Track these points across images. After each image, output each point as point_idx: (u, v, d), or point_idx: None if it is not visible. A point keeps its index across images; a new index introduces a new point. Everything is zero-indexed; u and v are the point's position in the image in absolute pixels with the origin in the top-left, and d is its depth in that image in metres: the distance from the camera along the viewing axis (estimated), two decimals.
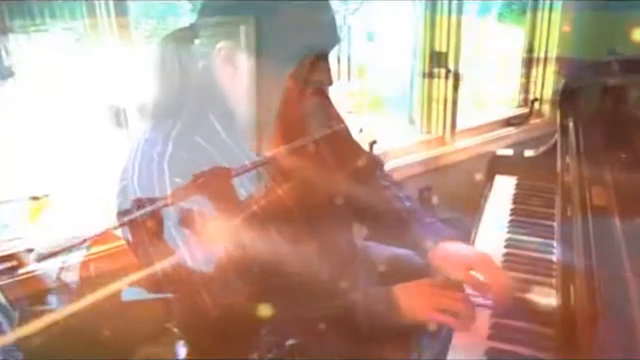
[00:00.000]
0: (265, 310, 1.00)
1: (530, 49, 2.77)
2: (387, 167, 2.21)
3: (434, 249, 1.19)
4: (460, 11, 2.33)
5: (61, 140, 1.52)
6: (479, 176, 1.73)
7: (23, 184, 1.50)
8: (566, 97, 1.57)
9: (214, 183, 1.00)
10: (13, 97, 1.45)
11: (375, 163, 1.43)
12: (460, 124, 2.54)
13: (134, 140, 1.05)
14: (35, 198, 1.49)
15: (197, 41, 1.02)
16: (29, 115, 1.47)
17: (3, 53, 1.41)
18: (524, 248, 1.28)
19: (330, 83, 1.09)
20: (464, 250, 1.17)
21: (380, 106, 2.68)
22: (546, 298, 1.09)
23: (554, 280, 1.14)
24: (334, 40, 1.07)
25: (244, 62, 1.01)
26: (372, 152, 2.16)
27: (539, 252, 1.25)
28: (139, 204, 0.96)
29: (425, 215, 1.29)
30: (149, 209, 0.94)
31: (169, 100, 1.04)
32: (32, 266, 1.46)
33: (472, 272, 1.11)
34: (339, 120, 1.29)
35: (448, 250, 1.17)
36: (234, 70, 1.01)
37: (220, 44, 1.00)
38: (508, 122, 2.73)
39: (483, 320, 1.07)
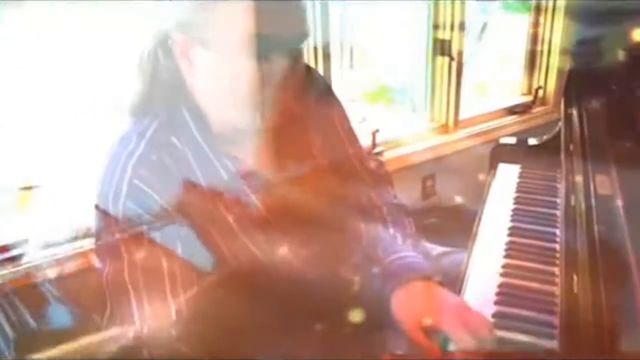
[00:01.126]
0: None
1: (534, 36, 2.76)
2: (391, 154, 2.24)
3: (397, 291, 1.02)
4: None
5: (57, 130, 1.51)
6: (482, 164, 1.73)
7: (13, 173, 1.51)
8: (571, 86, 1.57)
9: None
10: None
11: (377, 179, 1.27)
12: (464, 113, 2.54)
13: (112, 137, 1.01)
14: (26, 188, 1.49)
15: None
16: (24, 102, 1.48)
17: None
18: (527, 236, 1.28)
19: (294, 83, 0.97)
20: (427, 296, 1.00)
21: (383, 94, 2.68)
22: (549, 286, 1.10)
23: (556, 269, 1.14)
24: (297, 35, 0.94)
25: (200, 55, 0.94)
26: (378, 154, 2.16)
27: (542, 241, 1.24)
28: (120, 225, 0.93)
29: (402, 249, 1.11)
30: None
31: (147, 98, 1.00)
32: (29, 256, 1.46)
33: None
34: (333, 123, 1.18)
35: (407, 298, 1.01)
36: (190, 65, 0.95)
37: (174, 37, 0.94)
38: (512, 111, 2.72)
39: (485, 307, 1.07)
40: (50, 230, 1.53)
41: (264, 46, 0.89)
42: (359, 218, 1.17)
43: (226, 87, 0.93)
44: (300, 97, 1.06)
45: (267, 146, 1.05)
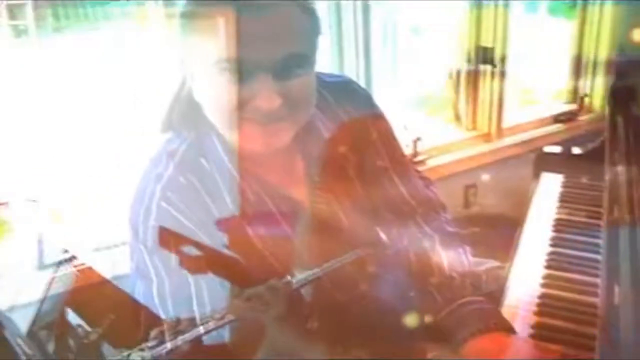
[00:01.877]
0: None
1: (580, 43, 2.71)
2: (433, 163, 2.23)
3: (470, 342, 0.97)
4: (507, 4, 2.29)
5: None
6: (525, 173, 1.72)
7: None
8: (616, 94, 1.54)
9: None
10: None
11: (426, 202, 1.17)
12: (508, 121, 2.51)
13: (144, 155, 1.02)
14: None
15: None
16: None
17: None
18: (569, 247, 1.26)
19: (268, 112, 0.89)
20: (503, 349, 0.97)
21: (425, 102, 2.67)
22: (590, 298, 1.08)
23: (598, 280, 1.12)
24: (275, 54, 0.87)
25: (195, 74, 0.93)
26: (419, 162, 2.15)
27: (584, 251, 1.23)
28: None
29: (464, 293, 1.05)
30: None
31: (177, 116, 1.00)
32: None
33: None
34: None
35: (483, 350, 0.96)
36: (194, 83, 0.94)
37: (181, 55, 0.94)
38: (557, 119, 2.67)
39: (525, 318, 1.06)
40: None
41: (238, 66, 0.86)
42: (406, 247, 1.11)
43: (217, 106, 0.92)
44: (327, 114, 1.04)
45: (293, 166, 1.03)
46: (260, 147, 0.93)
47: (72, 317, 1.36)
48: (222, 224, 0.96)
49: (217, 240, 0.96)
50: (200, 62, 0.90)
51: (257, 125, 0.89)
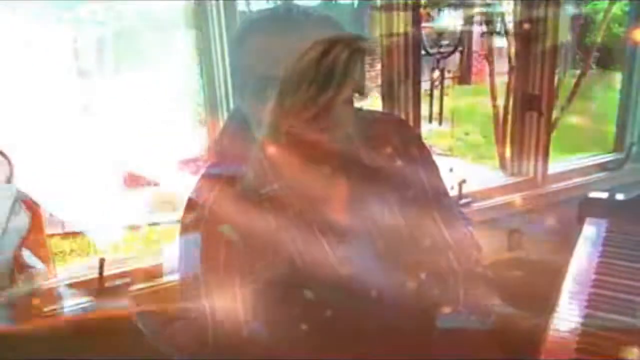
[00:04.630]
0: None
1: (627, 92, 2.72)
2: (477, 205, 2.26)
3: None
4: (553, 53, 2.34)
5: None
6: (570, 219, 1.73)
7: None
8: None
9: None
10: None
11: (461, 241, 1.19)
12: (553, 168, 2.54)
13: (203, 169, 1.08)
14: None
15: None
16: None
17: None
18: (610, 289, 1.28)
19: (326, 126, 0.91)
20: None
21: (472, 147, 2.71)
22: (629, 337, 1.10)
23: (638, 321, 1.14)
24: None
25: (244, 94, 1.00)
26: (464, 205, 2.18)
27: (624, 293, 1.25)
28: None
29: None
30: None
31: (231, 136, 1.06)
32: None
33: None
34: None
35: None
36: (243, 106, 1.01)
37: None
38: (603, 167, 2.68)
39: (565, 355, 1.09)
40: None
41: (275, 80, 0.86)
42: (432, 279, 1.13)
43: (260, 122, 0.91)
44: (373, 146, 1.07)
45: (336, 193, 1.06)
46: (301, 160, 0.94)
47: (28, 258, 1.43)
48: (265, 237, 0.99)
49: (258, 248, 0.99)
50: (247, 80, 0.97)
51: (297, 138, 0.90)
